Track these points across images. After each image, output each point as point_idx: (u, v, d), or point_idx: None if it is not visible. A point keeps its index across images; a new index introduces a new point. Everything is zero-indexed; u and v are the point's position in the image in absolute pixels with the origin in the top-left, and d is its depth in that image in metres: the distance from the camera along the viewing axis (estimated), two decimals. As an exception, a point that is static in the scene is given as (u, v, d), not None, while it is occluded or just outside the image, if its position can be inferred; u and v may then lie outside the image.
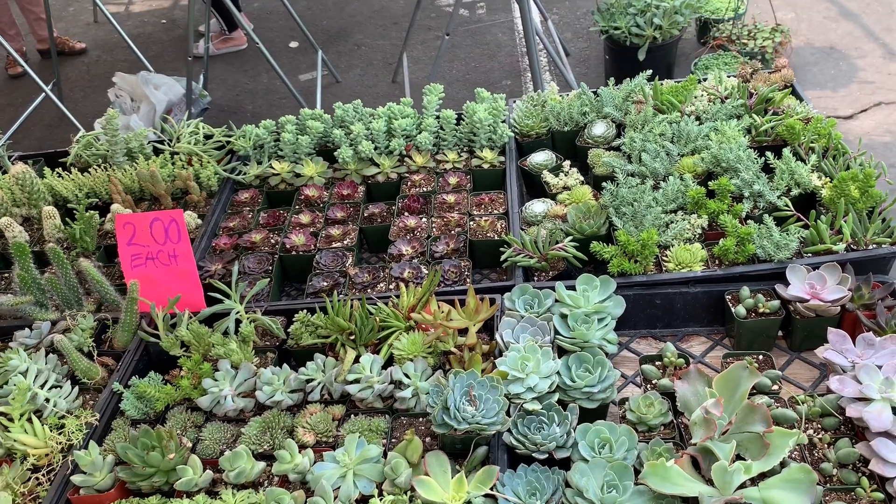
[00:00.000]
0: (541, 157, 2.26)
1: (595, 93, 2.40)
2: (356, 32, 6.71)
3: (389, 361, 1.74)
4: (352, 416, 1.66)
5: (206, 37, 5.30)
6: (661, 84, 2.35)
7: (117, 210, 2.26)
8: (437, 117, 2.41)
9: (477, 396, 1.50)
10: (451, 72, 5.49)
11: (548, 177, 2.18)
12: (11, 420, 1.67)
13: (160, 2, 7.77)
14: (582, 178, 2.18)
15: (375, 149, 2.36)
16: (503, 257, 1.93)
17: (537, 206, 2.09)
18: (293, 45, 6.63)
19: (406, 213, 2.18)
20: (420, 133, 2.37)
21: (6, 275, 2.23)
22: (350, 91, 5.97)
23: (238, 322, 1.84)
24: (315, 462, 1.53)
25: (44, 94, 5.46)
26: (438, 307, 1.75)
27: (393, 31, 6.67)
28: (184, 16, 7.46)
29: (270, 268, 2.08)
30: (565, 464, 1.49)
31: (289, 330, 1.85)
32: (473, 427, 1.46)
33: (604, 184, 2.03)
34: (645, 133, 2.17)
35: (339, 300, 1.79)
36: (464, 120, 2.39)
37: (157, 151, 2.54)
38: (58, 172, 2.47)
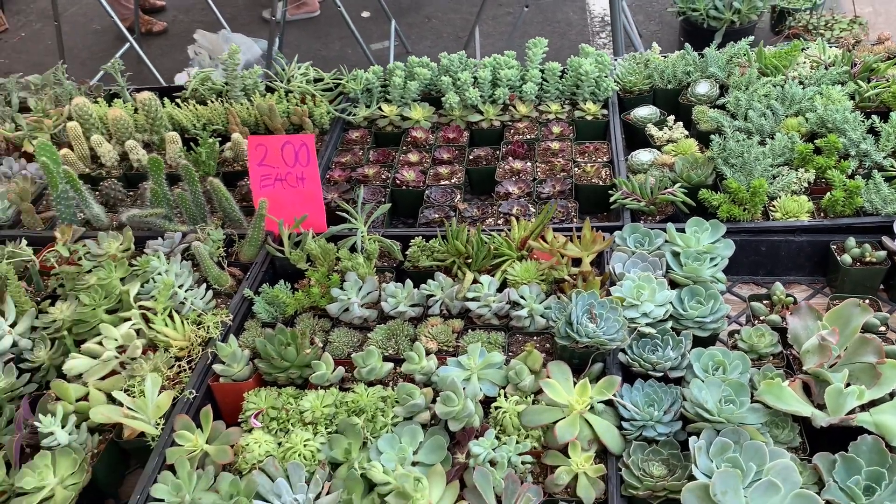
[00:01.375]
0: (645, 112, 2.34)
1: (700, 54, 2.47)
2: (427, 5, 6.80)
3: (502, 286, 1.84)
4: (469, 330, 1.76)
5: (284, 1, 5.41)
6: (766, 48, 2.40)
7: (237, 139, 2.39)
8: (542, 70, 2.49)
9: (598, 315, 1.59)
10: (520, 48, 5.56)
11: (652, 129, 2.26)
12: (155, 314, 1.80)
13: (228, -33, 7.93)
14: (686, 133, 2.25)
15: (480, 97, 2.45)
16: (612, 199, 2.02)
17: (644, 155, 2.17)
18: (365, 14, 6.75)
19: (511, 158, 2.28)
20: (525, 84, 2.45)
21: (131, 193, 2.37)
22: (420, 61, 6.04)
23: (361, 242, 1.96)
24: (438, 367, 1.64)
25: (128, 44, 5.66)
26: (554, 237, 1.84)
27: (464, 5, 6.75)
28: (259, -19, 7.62)
29: (383, 199, 2.19)
30: (678, 384, 1.57)
31: (406, 253, 1.96)
32: (595, 341, 1.55)
33: (712, 137, 2.10)
34: (749, 94, 2.23)
35: (456, 228, 1.90)
36: (567, 73, 2.47)
37: (268, 90, 2.66)
38: (176, 103, 2.61)
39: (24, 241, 2.04)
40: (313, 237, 2.00)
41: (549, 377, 1.54)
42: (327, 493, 1.44)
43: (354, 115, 2.52)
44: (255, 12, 6.99)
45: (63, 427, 1.56)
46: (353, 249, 1.95)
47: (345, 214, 1.99)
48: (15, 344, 1.82)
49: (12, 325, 1.84)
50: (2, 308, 1.88)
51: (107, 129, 2.54)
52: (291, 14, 6.57)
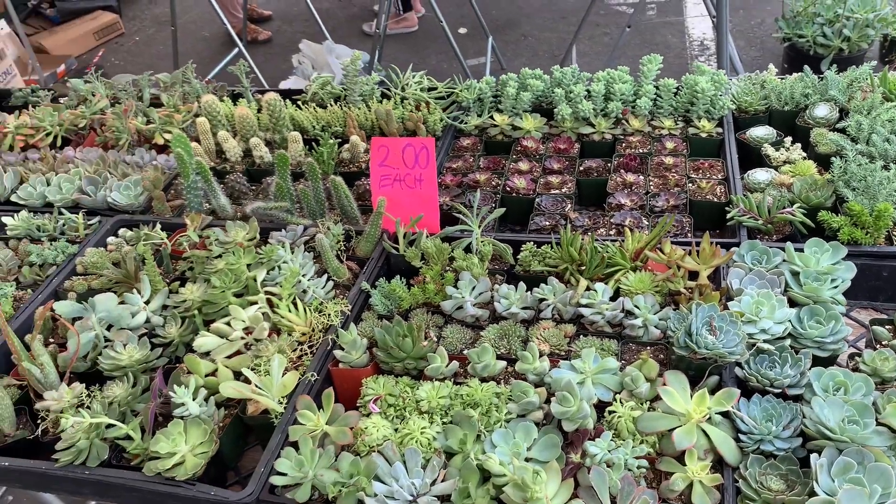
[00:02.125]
0: (761, 132, 2.32)
1: (819, 77, 2.44)
2: (524, 24, 6.89)
3: (615, 295, 1.86)
4: (581, 336, 1.79)
5: (386, 15, 5.56)
6: (891, 73, 2.36)
7: (355, 142, 2.49)
8: (656, 86, 2.50)
9: (717, 327, 1.59)
10: (615, 68, 5.56)
11: (769, 150, 2.24)
12: (280, 300, 1.90)
13: (339, -19, 8.21)
14: (804, 154, 2.23)
15: (593, 109, 2.48)
16: (730, 215, 2.01)
17: (761, 175, 2.16)
18: (462, 31, 6.88)
19: (623, 170, 2.29)
20: (639, 99, 2.47)
21: (253, 187, 2.49)
22: (515, 78, 6.11)
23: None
24: (551, 369, 1.67)
25: (236, 49, 5.92)
26: (672, 249, 1.85)
27: (560, 24, 6.80)
28: (360, -5, 7.87)
29: (494, 205, 2.24)
30: (795, 402, 1.55)
31: (517, 257, 2.00)
32: (713, 353, 1.56)
33: (832, 159, 2.07)
34: (872, 118, 2.19)
35: (570, 235, 1.93)
36: (681, 90, 2.48)
37: (383, 96, 2.76)
38: (297, 105, 2.74)
39: (158, 226, 2.17)
40: (427, 237, 2.06)
41: (665, 385, 1.55)
42: (442, 480, 1.49)
43: (466, 122, 2.59)
44: (355, 26, 7.22)
45: (194, 399, 1.66)
46: (467, 250, 2.00)
47: (460, 216, 2.05)
48: (148, 320, 1.94)
49: (147, 303, 1.96)
50: (138, 286, 2.01)
51: (232, 126, 2.69)
52: (391, 28, 6.75)
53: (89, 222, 2.34)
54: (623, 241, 1.96)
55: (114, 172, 2.52)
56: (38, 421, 1.73)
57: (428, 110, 2.59)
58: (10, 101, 3.22)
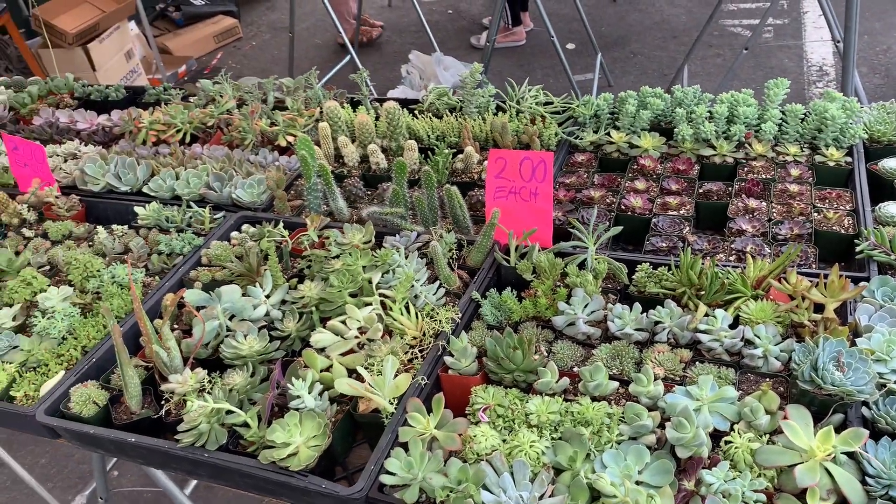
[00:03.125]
0: (895, 163, 2.22)
1: (964, 107, 2.31)
2: (633, 41, 6.80)
3: (734, 323, 1.81)
4: (697, 362, 1.75)
5: (495, 29, 5.59)
6: None
7: (470, 152, 2.52)
8: (782, 111, 2.43)
9: (845, 363, 1.53)
10: (728, 90, 5.41)
11: (904, 182, 2.14)
12: (394, 302, 1.94)
13: (450, -6, 8.34)
14: (944, 189, 2.11)
15: (715, 131, 2.43)
16: (859, 248, 1.93)
17: (893, 208, 2.06)
18: (570, 46, 6.86)
19: (745, 195, 2.23)
20: (764, 123, 2.40)
21: (369, 192, 2.56)
22: (621, 95, 6.05)
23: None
24: (665, 393, 1.64)
25: (349, 56, 6.09)
26: (798, 280, 1.79)
27: (671, 43, 6.68)
28: (469, 8, 7.97)
29: (609, 223, 2.22)
30: (929, 449, 1.47)
31: (632, 277, 1.98)
32: (840, 390, 1.49)
33: (977, 195, 1.96)
34: None
35: (690, 258, 1.89)
36: (809, 116, 2.39)
37: (498, 109, 2.79)
38: (413, 115, 2.79)
39: (281, 224, 2.26)
40: (540, 250, 2.06)
41: (787, 419, 1.49)
42: (550, 496, 1.48)
43: (581, 138, 2.58)
44: (464, 38, 7.31)
45: (310, 392, 1.71)
46: (580, 267, 1.99)
47: (574, 232, 2.04)
48: (268, 313, 2.02)
49: (267, 297, 2.04)
50: (259, 280, 2.10)
51: (351, 132, 2.77)
52: (499, 42, 6.80)
53: (215, 216, 2.45)
54: (744, 267, 1.91)
55: (238, 170, 2.64)
56: (162, 402, 1.82)
57: (543, 124, 2.60)
58: (143, 98, 3.42)
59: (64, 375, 1.94)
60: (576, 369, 1.77)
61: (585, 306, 1.88)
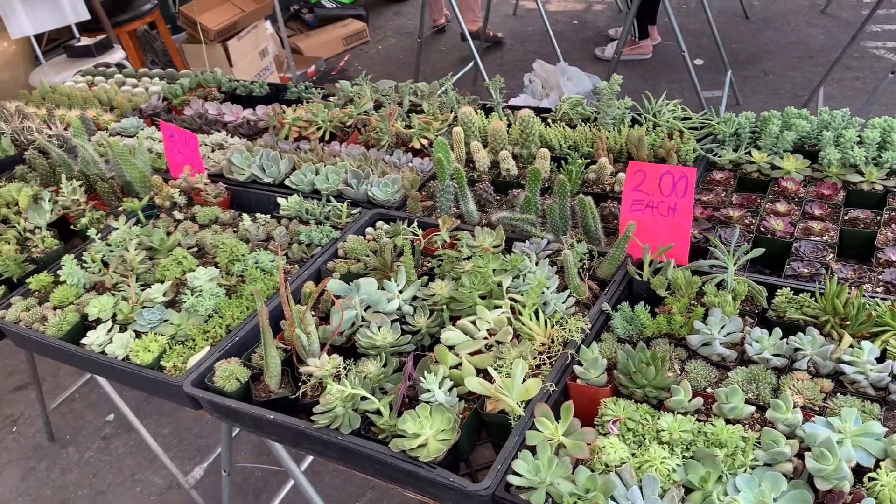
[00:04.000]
0: None
1: None
2: (766, 60, 6.57)
3: (881, 357, 1.73)
4: (838, 393, 1.68)
5: (623, 41, 5.53)
6: None
7: (603, 164, 2.52)
8: (941, 139, 2.30)
9: None
10: (867, 115, 5.15)
11: None
12: (524, 307, 1.96)
13: (574, 4, 8.32)
14: None
15: (864, 157, 2.33)
16: None
17: None
18: (698, 62, 6.69)
19: (895, 226, 2.13)
20: (920, 151, 2.29)
21: (498, 197, 2.60)
22: (750, 115, 5.85)
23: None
24: (804, 422, 1.58)
25: (472, 62, 6.18)
26: (957, 316, 1.69)
27: (807, 64, 6.42)
28: (595, 19, 7.92)
29: (748, 244, 2.17)
30: None
31: (771, 301, 1.92)
32: None
33: None
34: None
35: (836, 286, 1.82)
36: (973, 147, 2.26)
37: (634, 121, 2.77)
38: (546, 123, 2.82)
39: (416, 224, 2.33)
40: (675, 267, 2.04)
41: (941, 463, 1.42)
42: (680, 514, 1.46)
43: (720, 156, 2.53)
44: (587, 49, 7.27)
45: (440, 387, 1.76)
46: (718, 286, 1.95)
47: (713, 250, 2.01)
48: (399, 308, 2.09)
49: (400, 292, 2.11)
50: (392, 275, 2.17)
51: (483, 138, 2.82)
52: (626, 54, 6.72)
53: (351, 212, 2.55)
54: (893, 300, 1.82)
55: (374, 169, 2.73)
56: (299, 384, 1.91)
57: (681, 140, 2.56)
58: (285, 95, 3.59)
59: (209, 351, 2.08)
60: (709, 390, 1.74)
61: (722, 327, 1.84)
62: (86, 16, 6.01)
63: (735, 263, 1.96)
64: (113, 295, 2.33)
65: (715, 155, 2.55)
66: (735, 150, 2.54)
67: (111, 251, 2.51)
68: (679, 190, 2.07)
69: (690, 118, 2.69)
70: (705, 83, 6.24)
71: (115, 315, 2.26)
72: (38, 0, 5.83)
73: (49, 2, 5.86)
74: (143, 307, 2.26)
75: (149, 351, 2.09)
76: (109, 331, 2.21)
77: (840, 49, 5.68)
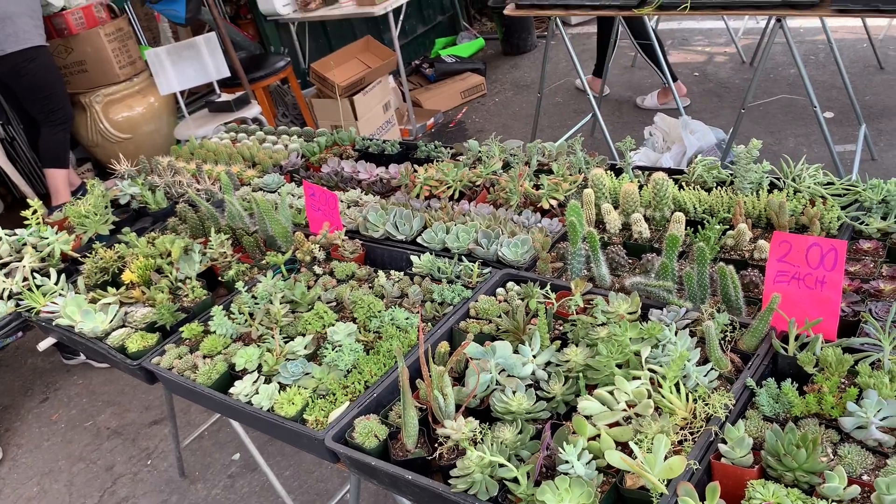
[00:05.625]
0: None
1: None
2: (904, 112, 6.25)
3: None
4: None
5: (749, 94, 5.40)
6: None
7: (742, 230, 2.46)
8: None
9: None
10: None
11: None
12: (664, 378, 1.93)
13: (695, 56, 8.22)
14: None
15: None
16: None
17: None
18: (828, 115, 6.44)
19: None
20: None
21: (630, 261, 2.58)
22: (887, 171, 5.59)
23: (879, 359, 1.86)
24: (979, 522, 1.48)
25: (591, 114, 6.20)
26: None
27: (951, 117, 6.05)
28: (716, 71, 7.79)
29: None
30: None
31: (933, 384, 1.82)
32: None
33: None
34: None
35: None
36: None
37: (772, 186, 2.70)
38: (680, 185, 2.79)
39: (549, 286, 2.35)
40: (824, 342, 1.96)
41: None
42: None
43: (867, 224, 2.42)
44: (710, 100, 7.14)
45: (579, 459, 1.75)
46: (872, 366, 1.86)
47: (866, 326, 1.92)
48: (533, 372, 2.10)
49: (534, 356, 2.13)
50: (524, 338, 2.19)
51: (614, 199, 2.82)
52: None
53: (482, 271, 2.60)
54: None
55: (503, 229, 2.78)
56: (435, 444, 1.95)
57: (824, 206, 2.48)
58: (415, 154, 3.72)
59: (348, 406, 2.15)
60: (865, 477, 1.66)
61: (879, 410, 1.75)
62: (226, 73, 6.46)
63: (891, 342, 1.86)
64: (258, 346, 2.46)
65: (861, 223, 2.44)
66: (884, 219, 2.43)
67: (257, 303, 2.65)
68: (828, 263, 2.00)
69: (833, 183, 2.60)
70: (836, 137, 5.99)
71: (260, 366, 2.39)
72: (186, 60, 6.33)
73: (195, 61, 6.35)
74: (287, 359, 2.38)
75: (293, 404, 2.18)
76: (255, 381, 2.33)
77: None
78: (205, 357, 2.50)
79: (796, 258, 2.05)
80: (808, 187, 2.57)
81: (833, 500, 1.59)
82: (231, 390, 2.33)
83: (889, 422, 1.75)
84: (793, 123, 6.48)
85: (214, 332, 2.56)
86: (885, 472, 1.64)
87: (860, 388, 1.83)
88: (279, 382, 2.31)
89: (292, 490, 4.13)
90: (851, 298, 2.19)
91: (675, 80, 6.90)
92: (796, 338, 2.01)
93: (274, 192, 3.58)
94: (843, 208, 2.51)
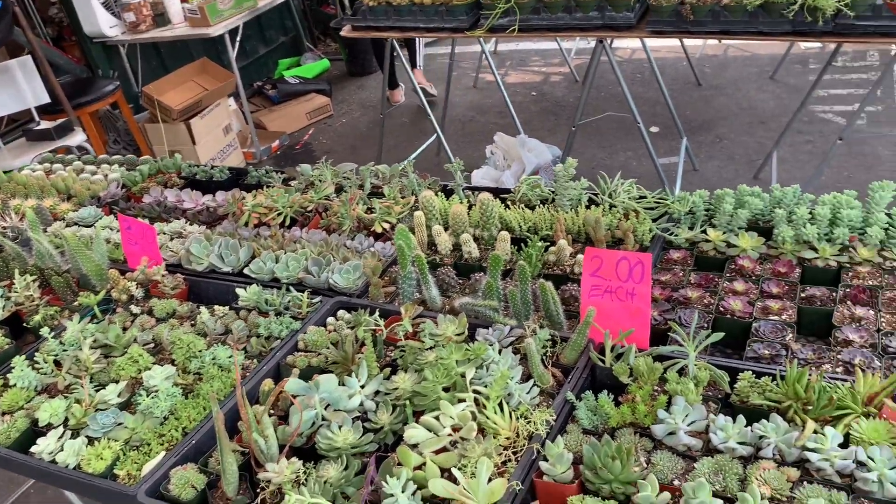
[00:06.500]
0: None
1: None
2: (719, 126, 6.76)
3: (844, 442, 1.73)
4: (805, 482, 1.67)
5: (580, 111, 5.66)
6: None
7: (562, 246, 2.53)
8: (888, 214, 2.36)
9: (975, 498, 1.43)
10: (820, 180, 5.29)
11: None
12: (487, 399, 1.93)
13: (532, 76, 8.53)
14: None
15: (817, 234, 2.37)
16: (981, 367, 1.83)
17: None
18: (654, 129, 6.87)
19: (851, 303, 2.16)
20: (869, 227, 2.34)
21: (461, 281, 2.59)
22: (706, 181, 6.00)
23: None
24: (773, 515, 1.56)
25: (434, 135, 6.27)
26: (915, 399, 1.70)
27: (759, 129, 6.61)
28: (552, 90, 8.12)
29: (706, 325, 2.18)
30: None
31: (734, 386, 1.92)
32: (971, 528, 1.40)
33: None
34: None
35: (798, 370, 1.83)
36: (919, 222, 2.32)
37: (590, 202, 2.80)
38: (506, 204, 2.84)
39: (378, 313, 2.31)
40: (637, 352, 2.03)
41: (910, 557, 1.40)
42: None
43: (676, 235, 2.56)
44: (546, 120, 7.42)
45: (403, 492, 1.71)
46: (680, 373, 1.95)
47: (672, 335, 2.01)
48: (361, 404, 2.04)
49: (362, 387, 2.07)
50: (353, 369, 2.13)
51: (444, 221, 2.83)
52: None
53: (312, 301, 2.52)
54: (853, 381, 1.83)
55: (335, 256, 2.72)
56: (258, 490, 1.85)
57: (637, 220, 2.60)
58: (245, 180, 3.58)
59: (164, 456, 2.00)
60: (677, 482, 1.72)
61: (686, 416, 1.83)
62: (46, 99, 6.01)
63: (696, 349, 1.96)
64: (65, 398, 2.25)
65: (671, 234, 2.58)
66: (691, 229, 2.58)
67: (65, 350, 2.44)
68: (636, 275, 2.08)
69: (645, 197, 2.73)
70: (661, 150, 6.39)
71: (66, 419, 2.18)
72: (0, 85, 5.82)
73: (9, 86, 5.86)
74: (98, 410, 2.19)
75: (101, 458, 2.01)
76: (60, 437, 2.13)
77: (790, 114, 5.88)
78: (3, 414, 2.26)
79: (607, 272, 2.12)
80: (623, 202, 2.69)
81: (646, 508, 1.64)
82: (32, 449, 2.12)
83: (696, 426, 1.83)
84: (623, 139, 6.85)
85: (15, 384, 2.32)
86: (692, 477, 1.71)
87: (670, 395, 1.90)
88: (87, 436, 2.12)
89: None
90: (663, 307, 2.30)
91: (396, 86, 7.91)
92: (612, 349, 2.08)
93: (90, 226, 3.33)
94: (654, 220, 2.64)
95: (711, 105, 7.18)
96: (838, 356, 2.00)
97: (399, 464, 1.81)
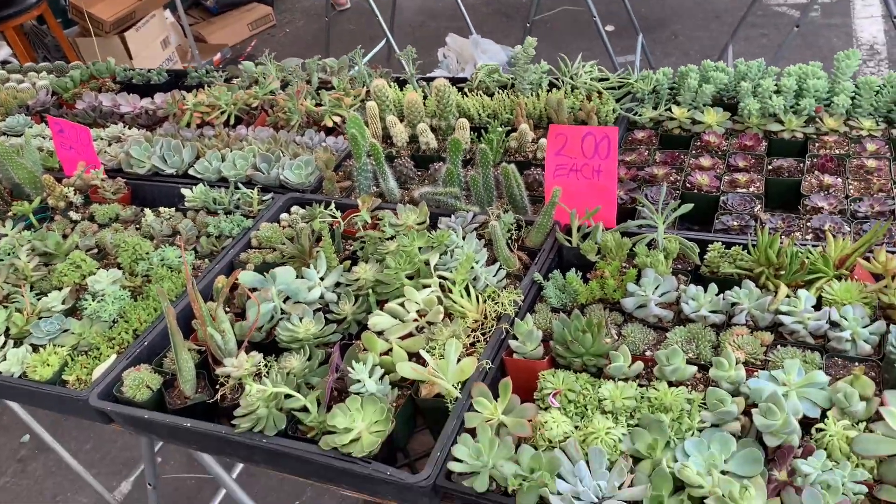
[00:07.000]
0: (983, 136, 2.09)
1: None
2: (674, 23, 6.63)
3: (816, 304, 1.70)
4: (779, 346, 1.65)
5: (535, 7, 5.47)
6: None
7: (524, 130, 2.43)
8: (855, 83, 2.30)
9: (948, 346, 1.42)
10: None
11: None
12: (453, 284, 1.86)
13: (484, -24, 8.21)
14: None
15: (783, 106, 2.31)
16: (950, 225, 1.81)
17: (985, 182, 1.93)
18: (609, 28, 6.70)
19: (819, 172, 2.12)
20: (836, 96, 2.28)
21: (419, 172, 2.48)
22: (663, 78, 5.89)
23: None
24: (748, 378, 1.54)
25: (385, 39, 6.02)
26: (888, 258, 1.68)
27: (713, 24, 6.50)
28: (506, -9, 7.83)
29: (677, 201, 2.12)
30: None
31: (704, 257, 1.88)
32: (945, 375, 1.39)
33: None
34: None
35: (769, 237, 1.78)
36: (884, 89, 2.26)
37: (551, 86, 2.69)
38: (463, 93, 2.71)
39: (333, 205, 2.19)
40: (604, 230, 1.97)
41: (884, 405, 1.39)
42: (630, 485, 1.40)
43: (641, 115, 2.48)
44: (498, 21, 7.19)
45: (370, 376, 1.65)
46: (649, 246, 1.90)
47: (642, 209, 1.95)
48: (322, 296, 1.96)
49: (321, 279, 1.98)
50: (312, 262, 2.03)
51: (399, 112, 2.69)
52: None
53: (263, 198, 2.40)
54: (824, 246, 1.80)
55: (285, 152, 2.58)
56: (217, 386, 1.77)
57: (600, 100, 2.50)
58: (185, 82, 3.37)
59: (116, 359, 1.91)
60: (649, 353, 1.69)
61: (657, 287, 1.79)
62: (-37, 12, 5.57)
63: (664, 222, 1.90)
64: (5, 307, 2.12)
65: (635, 114, 2.49)
66: (655, 108, 2.50)
67: (0, 260, 2.28)
68: (602, 151, 2.00)
69: (608, 78, 2.63)
70: (618, 48, 6.24)
71: (7, 329, 2.06)
72: None
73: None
74: (40, 318, 2.06)
75: (48, 365, 1.90)
76: (3, 346, 2.01)
77: (744, 8, 5.77)
78: (-61, 329, 2.12)
79: (573, 149, 2.03)
80: (585, 83, 2.59)
81: (619, 379, 1.60)
82: (-27, 361, 1.99)
83: (666, 297, 1.79)
84: (578, 38, 6.68)
85: (-52, 298, 2.18)
86: (665, 345, 1.68)
87: (639, 269, 1.85)
88: (32, 344, 2.00)
89: (94, 463, 3.77)
90: (628, 186, 2.23)
91: None
92: (578, 229, 2.01)
93: (20, 135, 3.11)
94: (617, 101, 2.55)
95: (666, 2, 7.02)
96: (808, 223, 1.97)
97: (364, 350, 1.74)
